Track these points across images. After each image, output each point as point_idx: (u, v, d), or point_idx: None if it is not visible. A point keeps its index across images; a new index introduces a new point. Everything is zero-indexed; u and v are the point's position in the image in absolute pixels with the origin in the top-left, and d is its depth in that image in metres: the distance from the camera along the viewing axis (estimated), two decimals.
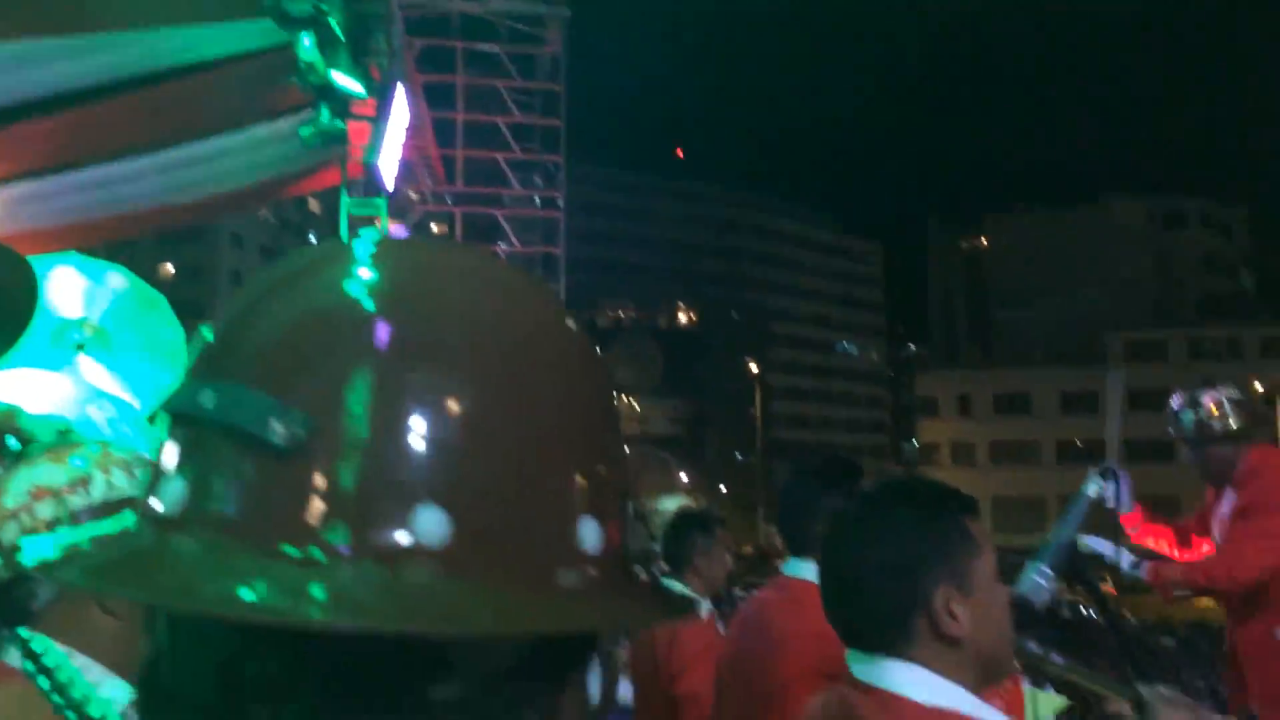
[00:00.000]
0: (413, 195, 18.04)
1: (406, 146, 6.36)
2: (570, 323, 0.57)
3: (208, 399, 0.49)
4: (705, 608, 3.69)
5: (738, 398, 66.62)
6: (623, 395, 66.97)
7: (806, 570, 2.16)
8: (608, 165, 74.73)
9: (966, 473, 52.63)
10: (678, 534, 3.78)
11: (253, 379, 0.49)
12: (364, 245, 0.55)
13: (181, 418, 0.51)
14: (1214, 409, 3.83)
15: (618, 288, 73.07)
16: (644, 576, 0.58)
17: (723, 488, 52.49)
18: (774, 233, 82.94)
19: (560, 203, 16.80)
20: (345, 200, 5.62)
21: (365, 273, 0.52)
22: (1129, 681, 1.60)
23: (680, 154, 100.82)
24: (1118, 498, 3.43)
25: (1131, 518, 4.00)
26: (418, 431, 0.48)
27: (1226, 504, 3.85)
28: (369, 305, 0.51)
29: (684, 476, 58.69)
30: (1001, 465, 55.25)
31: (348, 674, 0.48)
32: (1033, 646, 1.63)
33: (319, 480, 0.47)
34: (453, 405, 0.49)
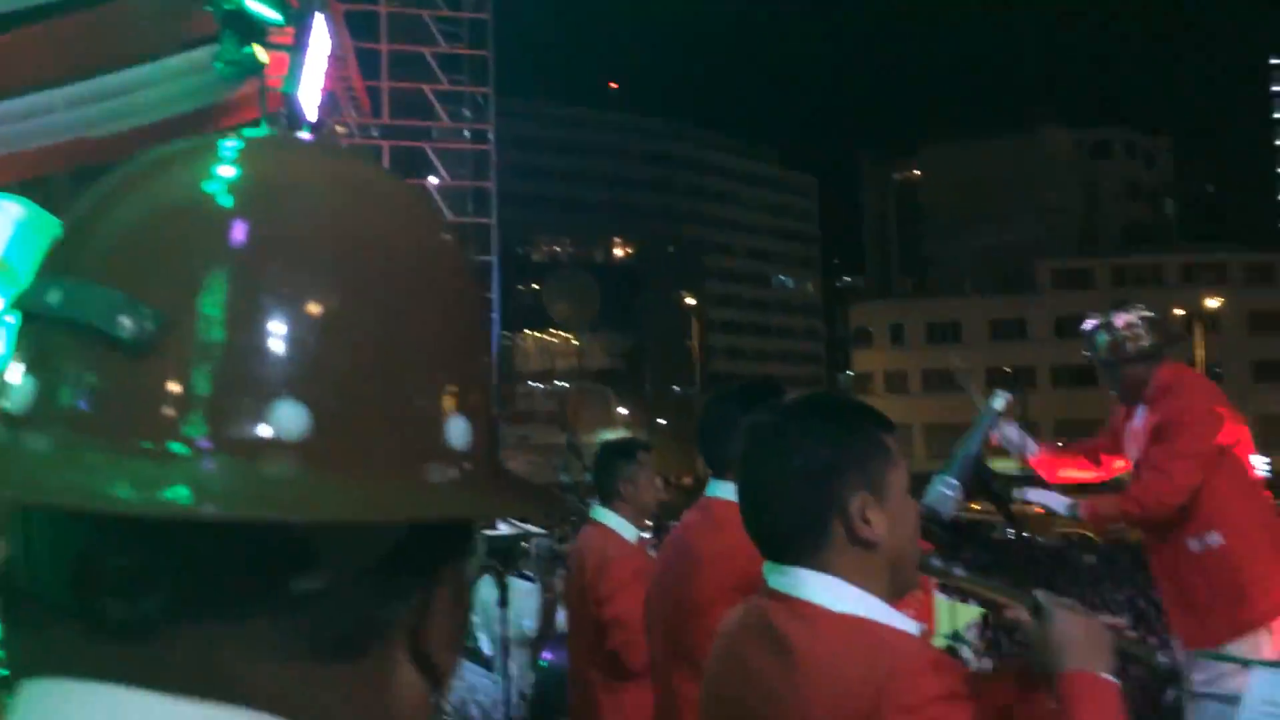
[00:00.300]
0: (338, 129, 17.64)
1: (329, 77, 6.22)
2: (444, 232, 0.57)
3: (54, 296, 0.49)
4: (633, 534, 3.73)
5: (675, 331, 66.85)
6: (560, 331, 66.89)
7: (727, 490, 2.20)
8: (540, 98, 73.64)
9: (900, 401, 53.58)
10: (603, 463, 3.81)
11: (102, 275, 0.48)
12: (228, 142, 0.54)
13: (30, 316, 0.50)
14: (1126, 328, 3.91)
15: (553, 223, 72.45)
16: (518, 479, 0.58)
17: (661, 421, 52.88)
18: (710, 166, 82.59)
19: (490, 135, 16.52)
20: None
21: (226, 169, 0.51)
22: (1029, 590, 1.66)
23: (614, 86, 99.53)
24: (1023, 444, 3.49)
25: (1041, 461, 4.09)
26: (275, 326, 0.48)
27: (1139, 420, 3.96)
28: (227, 201, 0.50)
29: (622, 410, 59.17)
30: (933, 393, 56.24)
31: (207, 566, 0.48)
32: (936, 559, 1.69)
33: (173, 376, 0.47)
34: (311, 301, 0.49)
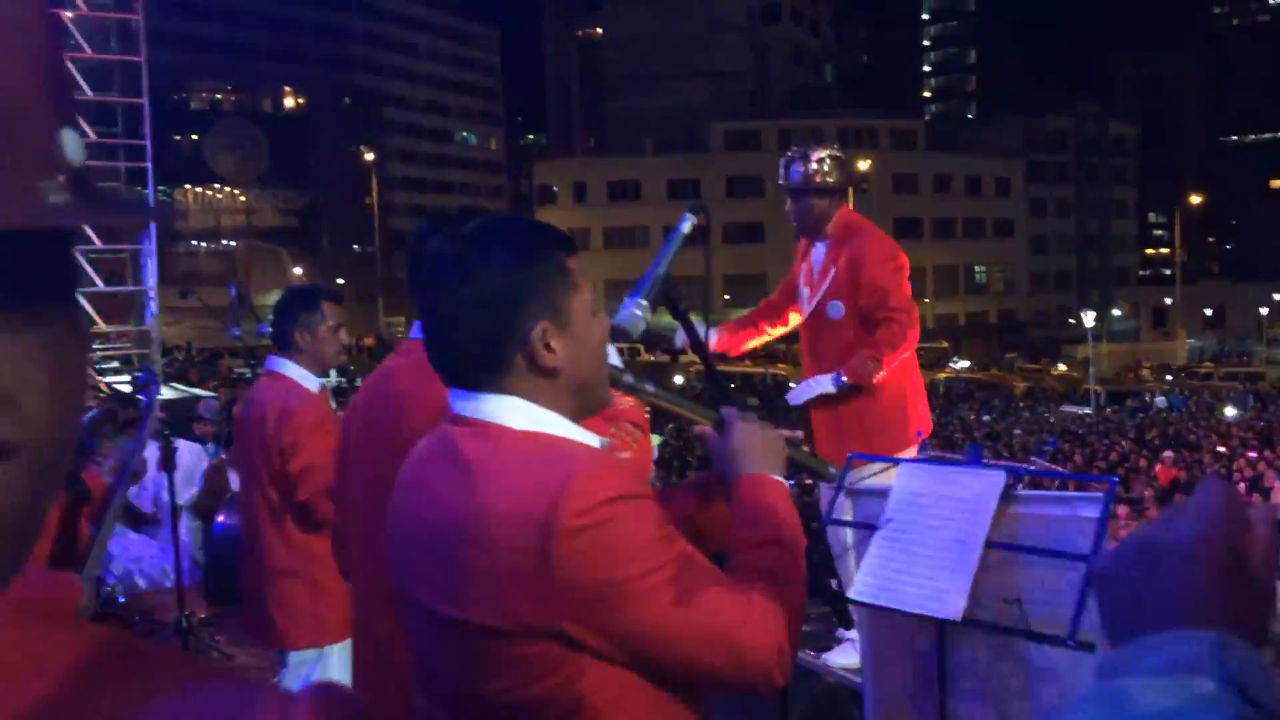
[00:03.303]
0: None
1: None
2: None
3: None
4: (315, 383, 3.58)
5: (353, 188, 64.20)
6: (225, 186, 62.39)
7: None
8: None
9: (582, 258, 54.65)
10: (281, 312, 3.61)
11: None
12: None
13: None
14: (818, 162, 4.26)
15: (213, 68, 66.53)
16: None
17: (340, 281, 51.10)
18: (386, 14, 78.49)
19: None
20: None
21: None
22: (715, 406, 1.73)
23: None
24: (706, 339, 3.65)
25: (722, 342, 4.42)
26: None
27: (818, 255, 4.29)
28: None
29: (298, 270, 56.54)
30: (613, 249, 57.87)
31: None
32: (628, 377, 1.71)
33: None
34: None
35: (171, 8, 54.27)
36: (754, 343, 4.60)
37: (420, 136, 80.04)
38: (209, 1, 66.06)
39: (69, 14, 13.64)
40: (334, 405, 3.79)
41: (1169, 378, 53.70)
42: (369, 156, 63.33)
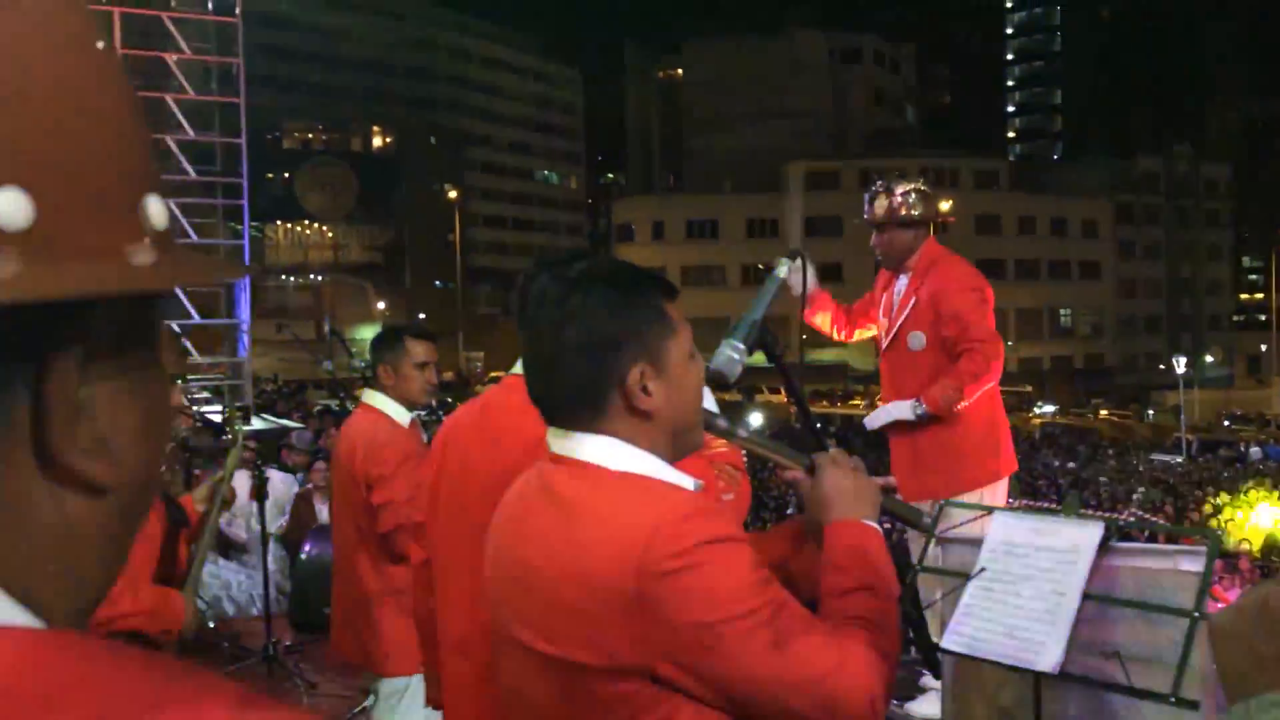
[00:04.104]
0: None
1: None
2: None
3: None
4: (405, 416, 3.65)
5: (436, 224, 65.39)
6: (314, 222, 64.04)
7: None
8: None
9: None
10: (370, 348, 3.74)
11: None
12: None
13: None
14: (903, 195, 4.31)
15: (306, 109, 68.58)
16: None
17: (422, 315, 51.97)
18: (472, 55, 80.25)
19: (238, 9, 15.29)
20: None
21: None
22: (806, 450, 1.73)
23: None
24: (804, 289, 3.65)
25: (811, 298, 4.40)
26: None
27: (900, 288, 4.30)
28: None
29: (381, 305, 57.65)
30: (691, 287, 57.92)
31: None
32: (722, 421, 1.73)
33: None
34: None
35: (268, 50, 56.19)
36: (826, 325, 4.52)
37: (502, 175, 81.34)
38: (303, 45, 68.20)
39: (173, 56, 14.18)
40: (425, 439, 3.86)
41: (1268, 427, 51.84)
42: (452, 194, 64.47)
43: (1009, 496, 4.30)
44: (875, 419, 4.25)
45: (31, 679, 0.42)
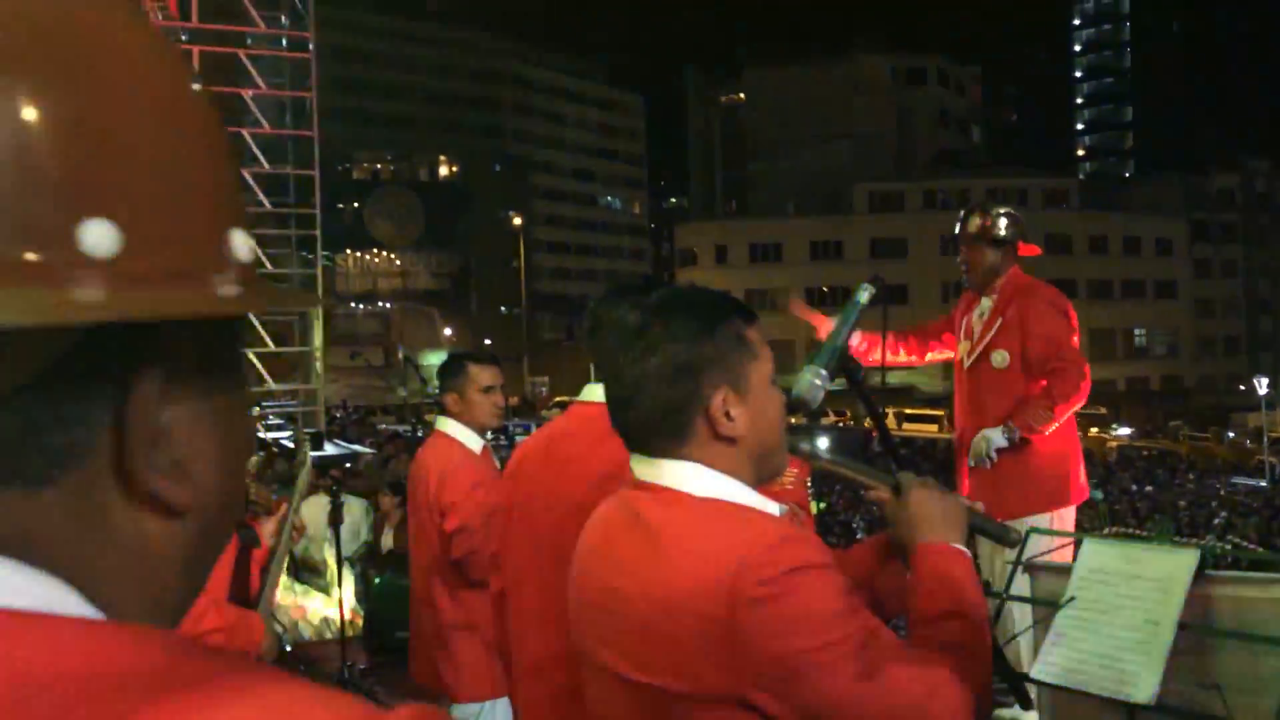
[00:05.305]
0: None
1: None
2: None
3: None
4: (478, 443, 3.69)
5: (501, 251, 66.10)
6: (382, 250, 65.09)
7: (601, 393, 2.15)
8: (361, 8, 70.36)
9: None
10: (438, 375, 3.78)
11: None
12: None
13: None
14: (995, 215, 4.38)
15: (374, 139, 69.99)
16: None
17: (487, 341, 52.46)
18: (536, 84, 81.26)
19: (311, 45, 15.67)
20: None
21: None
22: (890, 470, 1.72)
23: None
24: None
25: (910, 348, 4.49)
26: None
27: (984, 307, 4.37)
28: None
29: (448, 331, 58.32)
30: (756, 311, 57.73)
31: None
32: (805, 444, 1.72)
33: None
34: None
35: (338, 83, 57.45)
36: (904, 358, 4.62)
37: (566, 201, 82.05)
38: (373, 77, 69.63)
39: (249, 92, 14.56)
40: (497, 464, 3.90)
41: None
42: (517, 221, 65.16)
43: (1095, 522, 4.24)
44: (976, 454, 4.18)
45: (104, 663, 0.45)
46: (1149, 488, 33.52)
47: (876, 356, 4.45)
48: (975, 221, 4.37)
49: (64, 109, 0.48)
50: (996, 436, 4.12)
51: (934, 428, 43.27)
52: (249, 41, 16.75)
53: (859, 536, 15.67)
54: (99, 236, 0.48)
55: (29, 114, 0.48)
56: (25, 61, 0.48)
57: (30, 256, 0.47)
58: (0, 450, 0.49)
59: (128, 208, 0.50)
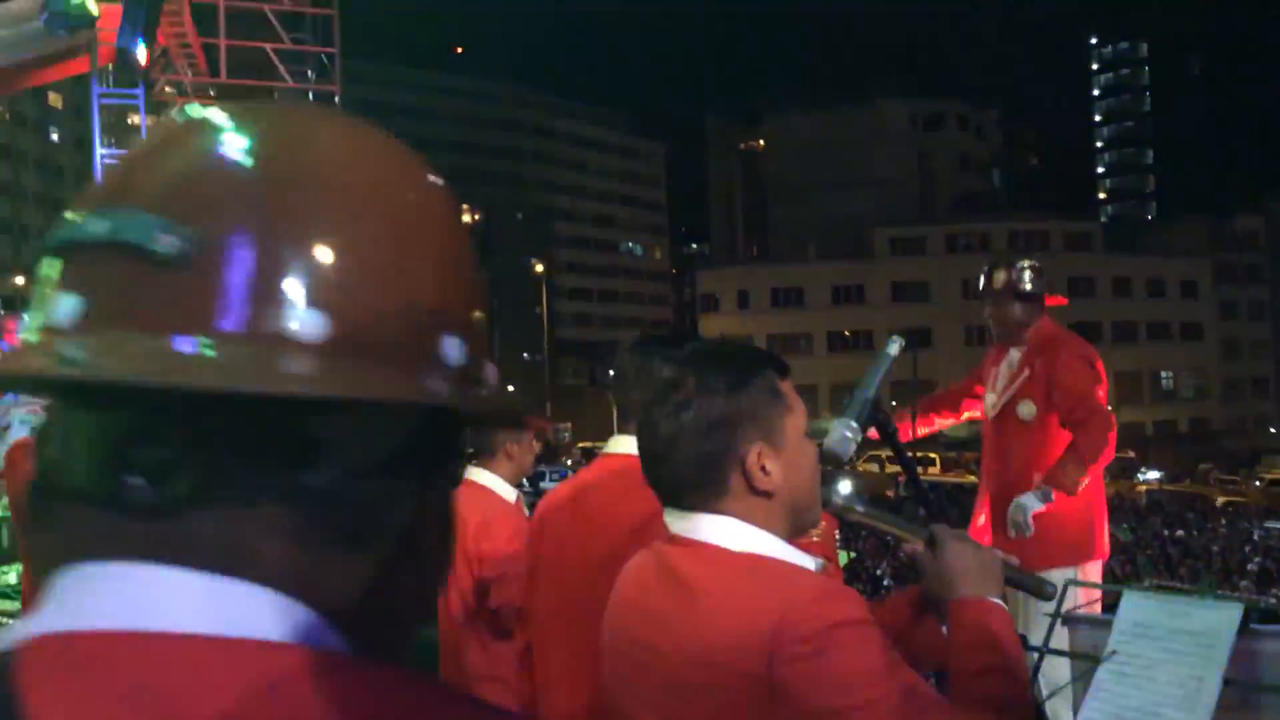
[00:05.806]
0: (167, 89, 16.68)
1: (163, 33, 5.89)
2: (432, 174, 0.66)
3: (102, 226, 0.54)
4: (512, 494, 3.68)
5: (524, 298, 66.49)
6: None
7: (628, 444, 2.15)
8: (386, 62, 71.66)
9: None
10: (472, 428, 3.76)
11: (145, 206, 0.54)
12: (259, 106, 0.62)
13: (75, 248, 0.55)
14: (1020, 269, 4.33)
15: None
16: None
17: (510, 387, 52.51)
18: (558, 133, 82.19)
19: (337, 99, 15.95)
20: (96, 90, 5.17)
21: (255, 124, 0.59)
22: (924, 523, 1.71)
23: (459, 51, 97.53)
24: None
25: (905, 428, 4.43)
26: (296, 248, 0.54)
27: (1012, 358, 4.34)
28: (258, 149, 0.57)
29: None
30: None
31: (230, 453, 0.54)
32: (839, 497, 1.72)
33: (206, 284, 0.53)
34: (325, 228, 0.55)
35: None
36: (924, 431, 4.66)
37: (588, 248, 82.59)
38: (395, 127, 70.21)
39: None
40: (527, 514, 3.89)
41: None
42: (539, 268, 65.57)
43: (1129, 569, 4.18)
44: (1015, 523, 4.12)
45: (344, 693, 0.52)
46: (1180, 532, 33.04)
47: (923, 432, 4.55)
48: (1000, 276, 4.34)
49: (433, 251, 0.60)
50: (1032, 502, 4.06)
51: (965, 473, 42.95)
52: (276, 96, 17.07)
53: (885, 584, 15.50)
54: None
55: (413, 257, 0.58)
56: (373, 213, 0.58)
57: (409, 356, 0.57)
58: (355, 517, 0.57)
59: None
